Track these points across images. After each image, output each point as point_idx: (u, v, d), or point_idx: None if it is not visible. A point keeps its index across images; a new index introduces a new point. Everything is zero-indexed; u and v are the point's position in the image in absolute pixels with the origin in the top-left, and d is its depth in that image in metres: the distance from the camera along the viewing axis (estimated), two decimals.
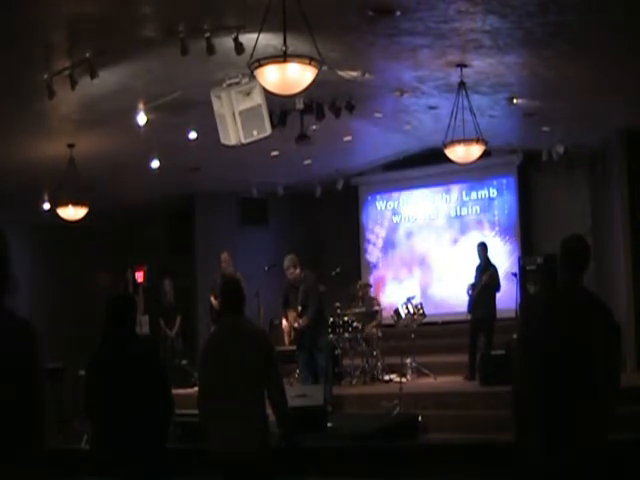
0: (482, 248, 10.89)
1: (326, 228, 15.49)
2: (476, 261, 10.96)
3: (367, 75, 8.54)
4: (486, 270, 10.70)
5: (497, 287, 10.71)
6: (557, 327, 3.72)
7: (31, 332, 2.40)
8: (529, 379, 3.78)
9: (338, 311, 11.49)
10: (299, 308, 9.32)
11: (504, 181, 14.04)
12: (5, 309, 2.39)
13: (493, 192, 14.15)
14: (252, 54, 6.09)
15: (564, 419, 3.65)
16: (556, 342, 3.70)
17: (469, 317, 10.81)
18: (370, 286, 12.94)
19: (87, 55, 7.04)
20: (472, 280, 10.86)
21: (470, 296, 10.74)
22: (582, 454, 3.62)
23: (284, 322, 9.67)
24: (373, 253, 15.29)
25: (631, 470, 5.14)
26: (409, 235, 14.94)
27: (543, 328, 3.77)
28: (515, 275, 11.30)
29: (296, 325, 9.34)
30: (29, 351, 2.37)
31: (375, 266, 15.24)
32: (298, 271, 9.43)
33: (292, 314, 9.46)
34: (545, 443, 3.67)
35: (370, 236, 15.33)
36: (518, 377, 3.85)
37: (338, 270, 11.85)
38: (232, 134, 7.65)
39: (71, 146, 10.10)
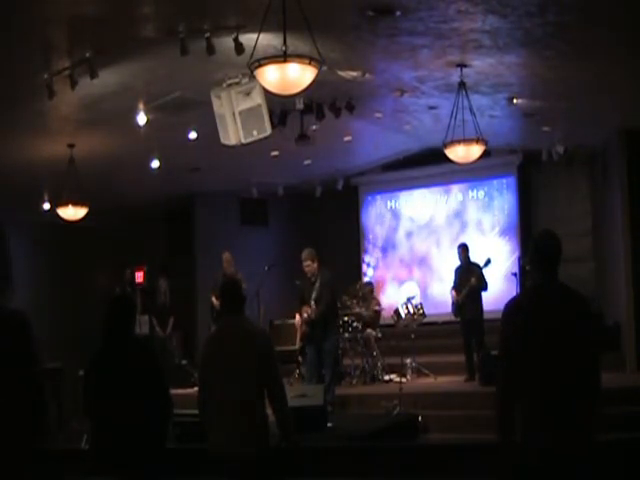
0: (462, 249, 10.77)
1: (326, 228, 15.47)
2: (478, 260, 10.86)
3: (367, 75, 8.54)
4: (469, 271, 10.53)
5: (485, 287, 10.56)
6: (540, 325, 3.71)
7: (25, 325, 2.41)
8: (514, 378, 3.77)
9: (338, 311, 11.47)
10: (312, 303, 9.26)
11: (504, 181, 14.04)
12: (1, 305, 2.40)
13: (493, 192, 14.16)
14: (252, 54, 6.09)
15: (549, 418, 3.64)
16: (539, 342, 3.69)
17: (458, 319, 10.74)
18: (372, 285, 12.92)
19: (87, 55, 7.04)
20: (452, 283, 10.75)
21: (454, 299, 10.63)
22: (566, 453, 3.62)
23: (297, 317, 9.58)
24: (373, 253, 15.30)
25: (631, 470, 5.13)
26: (409, 235, 14.94)
27: (526, 327, 3.76)
28: (515, 275, 11.27)
29: (305, 315, 9.29)
30: (26, 345, 2.39)
31: (375, 266, 15.25)
32: (315, 265, 9.34)
33: (306, 309, 9.40)
34: (532, 442, 3.67)
35: (370, 236, 15.34)
36: (501, 378, 3.83)
37: None
38: (232, 134, 7.65)
39: (71, 146, 10.09)
